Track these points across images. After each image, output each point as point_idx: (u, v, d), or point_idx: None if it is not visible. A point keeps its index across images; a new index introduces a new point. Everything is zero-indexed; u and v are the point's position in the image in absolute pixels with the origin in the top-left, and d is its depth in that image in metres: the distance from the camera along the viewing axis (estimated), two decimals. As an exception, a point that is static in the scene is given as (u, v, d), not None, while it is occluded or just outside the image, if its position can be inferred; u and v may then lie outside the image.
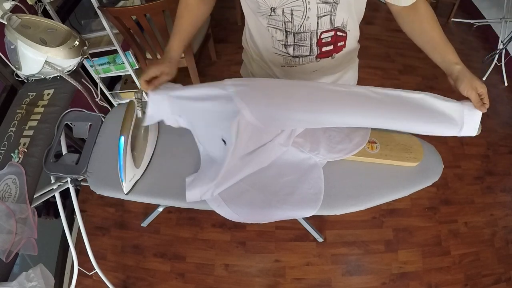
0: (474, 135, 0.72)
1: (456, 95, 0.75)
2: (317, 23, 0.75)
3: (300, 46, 0.81)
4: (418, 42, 0.78)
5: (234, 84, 0.73)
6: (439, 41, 0.74)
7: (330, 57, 0.86)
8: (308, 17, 0.73)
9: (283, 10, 0.72)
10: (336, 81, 0.96)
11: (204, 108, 0.78)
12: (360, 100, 0.70)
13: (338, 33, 0.79)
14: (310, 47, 0.81)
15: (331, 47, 0.82)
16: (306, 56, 0.83)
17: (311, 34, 0.77)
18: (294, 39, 0.79)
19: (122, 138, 0.75)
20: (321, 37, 0.78)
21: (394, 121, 0.70)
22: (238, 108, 0.70)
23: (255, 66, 0.98)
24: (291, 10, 0.72)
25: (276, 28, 0.78)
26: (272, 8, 0.72)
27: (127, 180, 0.79)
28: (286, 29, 0.77)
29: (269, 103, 0.72)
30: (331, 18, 0.74)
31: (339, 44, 0.83)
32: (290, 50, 0.82)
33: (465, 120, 0.70)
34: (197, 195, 0.79)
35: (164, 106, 0.80)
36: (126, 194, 0.81)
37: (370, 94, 0.71)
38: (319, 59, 0.85)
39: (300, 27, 0.75)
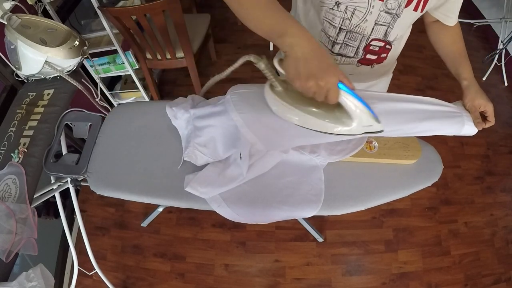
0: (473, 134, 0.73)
1: (456, 95, 0.76)
2: (372, 28, 0.75)
3: (348, 46, 0.81)
4: (440, 53, 0.83)
5: (239, 112, 0.72)
6: (457, 55, 0.79)
7: (370, 66, 0.86)
8: (366, 19, 0.73)
9: (346, 6, 0.72)
10: (367, 88, 0.97)
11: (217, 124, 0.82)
12: None
13: (387, 46, 0.80)
14: (357, 50, 0.81)
15: (375, 57, 0.83)
16: (349, 57, 0.83)
17: (362, 37, 0.78)
18: (345, 37, 0.79)
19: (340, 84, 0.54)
20: (371, 43, 0.79)
21: (397, 129, 0.70)
22: (244, 135, 0.72)
23: None
24: (354, 8, 0.72)
25: (331, 24, 0.77)
26: (337, 3, 0.72)
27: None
28: (341, 27, 0.77)
29: (272, 136, 0.75)
30: (386, 30, 0.75)
31: (382, 55, 0.84)
32: (337, 47, 0.82)
33: (465, 124, 0.71)
34: (197, 189, 0.79)
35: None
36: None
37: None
38: (359, 65, 0.85)
39: (356, 27, 0.76)
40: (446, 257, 1.63)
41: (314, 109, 0.61)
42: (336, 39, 0.80)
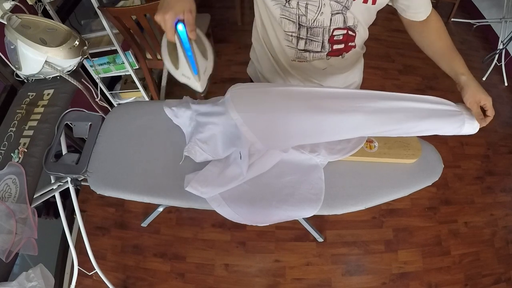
0: (473, 133, 0.73)
1: (456, 95, 0.76)
2: (330, 19, 0.75)
3: (312, 41, 0.81)
4: (428, 52, 0.80)
5: (238, 111, 0.72)
6: (446, 50, 0.76)
7: (340, 56, 0.86)
8: (322, 12, 0.74)
9: (298, 2, 0.73)
10: (344, 80, 0.98)
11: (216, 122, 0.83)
12: (360, 117, 0.70)
13: (350, 32, 0.80)
14: (322, 44, 0.81)
15: (342, 46, 0.83)
16: (317, 52, 0.84)
17: (323, 30, 0.78)
18: (307, 33, 0.79)
19: (180, 25, 0.55)
20: (333, 34, 0.79)
21: (396, 128, 0.70)
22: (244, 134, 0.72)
23: (264, 65, 0.98)
24: (306, 3, 0.72)
25: (289, 20, 0.78)
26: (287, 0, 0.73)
27: (201, 72, 0.62)
28: (300, 23, 0.77)
29: (272, 135, 0.75)
30: (343, 17, 0.75)
31: (350, 43, 0.84)
32: (302, 43, 0.82)
33: (466, 123, 0.71)
34: (198, 189, 0.78)
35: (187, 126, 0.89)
36: (202, 93, 0.65)
37: (368, 107, 0.70)
38: (329, 57, 0.85)
39: (314, 21, 0.76)
40: (446, 257, 1.63)
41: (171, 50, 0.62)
42: (299, 34, 0.80)
